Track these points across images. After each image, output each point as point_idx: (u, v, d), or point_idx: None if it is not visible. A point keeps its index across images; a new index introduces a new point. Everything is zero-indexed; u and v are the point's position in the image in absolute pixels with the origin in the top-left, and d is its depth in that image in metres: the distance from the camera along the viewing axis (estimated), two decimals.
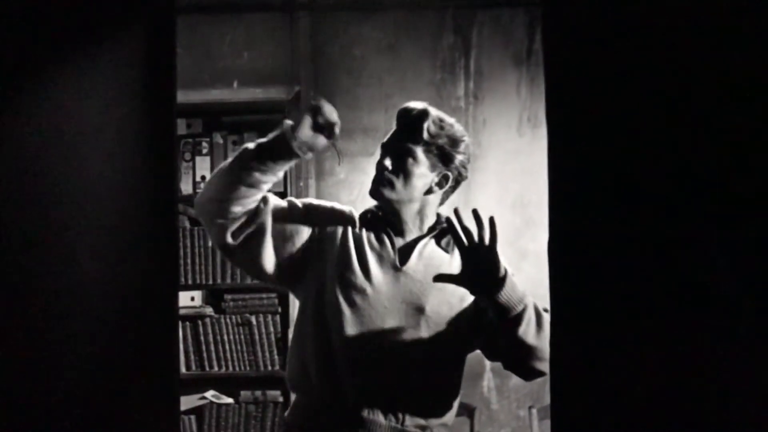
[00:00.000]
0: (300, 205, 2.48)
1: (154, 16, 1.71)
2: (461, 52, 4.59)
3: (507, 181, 4.51)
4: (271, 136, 2.35)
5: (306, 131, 2.32)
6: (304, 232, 2.44)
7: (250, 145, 2.34)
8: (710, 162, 1.45)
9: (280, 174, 2.36)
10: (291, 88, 4.42)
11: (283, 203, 2.46)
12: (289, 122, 2.34)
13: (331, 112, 2.34)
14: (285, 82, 4.48)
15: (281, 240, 2.41)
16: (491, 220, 2.24)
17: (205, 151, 4.58)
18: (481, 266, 2.26)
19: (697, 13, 1.47)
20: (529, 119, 4.56)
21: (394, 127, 2.48)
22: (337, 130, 2.35)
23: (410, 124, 2.42)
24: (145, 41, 1.71)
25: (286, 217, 2.43)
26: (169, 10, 1.73)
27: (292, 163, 2.37)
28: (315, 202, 2.54)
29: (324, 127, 2.34)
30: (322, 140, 2.35)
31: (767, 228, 1.41)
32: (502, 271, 2.25)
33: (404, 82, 4.58)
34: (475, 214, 2.24)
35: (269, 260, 2.40)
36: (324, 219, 2.48)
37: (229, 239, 2.36)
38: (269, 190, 2.41)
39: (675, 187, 1.47)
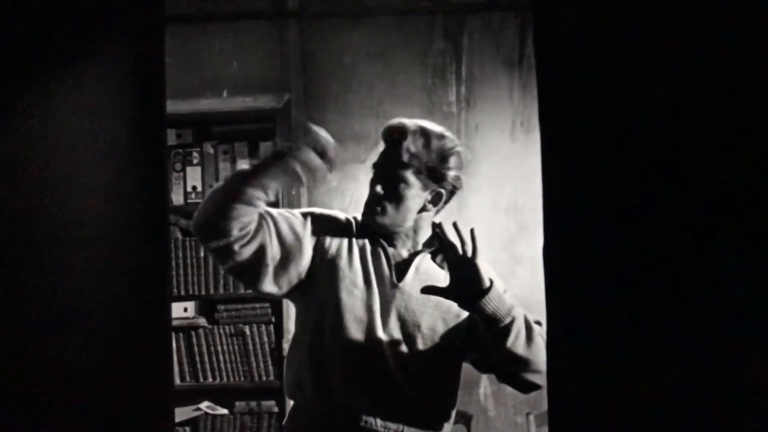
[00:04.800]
0: (302, 216, 2.47)
1: (142, 26, 1.70)
2: (452, 57, 4.58)
3: (500, 186, 4.50)
4: (267, 156, 2.35)
5: (305, 153, 2.32)
6: (308, 246, 2.43)
7: (245, 166, 2.35)
8: (707, 164, 1.44)
9: (273, 194, 2.35)
10: (281, 96, 4.41)
11: (285, 215, 2.45)
12: (285, 144, 2.35)
13: (327, 138, 2.35)
14: (275, 91, 4.47)
15: (285, 255, 2.39)
16: (471, 233, 2.26)
17: (195, 161, 4.56)
18: (465, 278, 2.27)
19: (690, 15, 1.46)
20: (522, 124, 4.56)
21: (382, 146, 2.48)
22: (332, 154, 2.35)
23: (393, 145, 2.43)
24: (134, 51, 1.70)
25: (288, 231, 2.41)
26: (158, 20, 1.72)
27: (286, 183, 2.36)
28: (317, 211, 2.53)
29: (321, 152, 2.34)
30: (319, 162, 2.34)
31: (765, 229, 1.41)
32: (486, 283, 2.27)
33: (395, 88, 4.57)
34: (455, 227, 2.27)
35: (271, 278, 2.39)
36: (327, 229, 2.47)
37: (232, 260, 2.35)
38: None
39: (670, 190, 1.46)
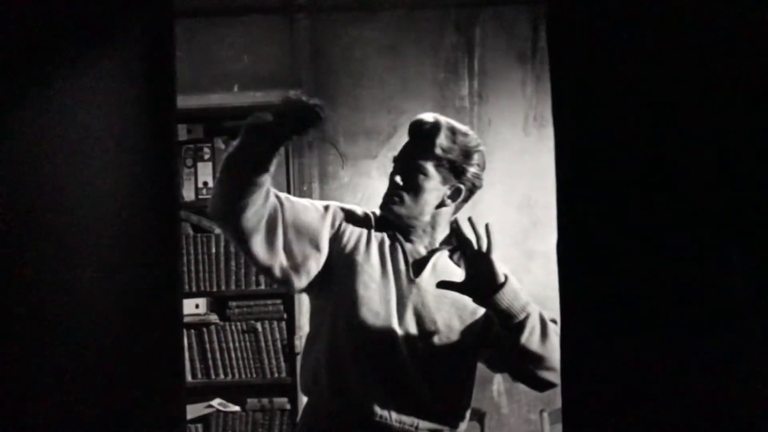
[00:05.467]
0: (323, 208, 2.47)
1: (152, 21, 1.70)
2: (464, 51, 4.56)
3: (514, 181, 4.48)
4: (246, 135, 2.27)
5: (290, 123, 2.26)
6: (326, 238, 2.43)
7: (236, 142, 2.29)
8: (721, 160, 1.42)
9: (272, 167, 2.27)
10: (292, 91, 4.40)
11: (305, 204, 2.45)
12: (261, 116, 2.27)
13: (314, 101, 2.27)
14: (285, 85, 4.46)
15: (303, 244, 2.40)
16: (487, 228, 2.26)
17: (206, 156, 4.57)
18: (480, 273, 2.27)
19: (706, 10, 1.44)
20: (536, 118, 4.54)
21: (406, 139, 2.48)
22: (321, 113, 2.26)
23: (422, 138, 2.42)
24: (144, 46, 1.69)
25: (307, 223, 2.41)
26: (168, 15, 1.71)
27: (281, 142, 2.29)
28: (335, 203, 2.53)
29: (307, 117, 2.27)
30: (310, 128, 2.26)
31: None
32: (501, 278, 2.27)
33: (406, 83, 4.56)
34: (471, 222, 2.28)
35: (285, 264, 2.39)
36: (346, 222, 2.48)
37: (251, 248, 2.34)
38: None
39: (685, 186, 1.45)
